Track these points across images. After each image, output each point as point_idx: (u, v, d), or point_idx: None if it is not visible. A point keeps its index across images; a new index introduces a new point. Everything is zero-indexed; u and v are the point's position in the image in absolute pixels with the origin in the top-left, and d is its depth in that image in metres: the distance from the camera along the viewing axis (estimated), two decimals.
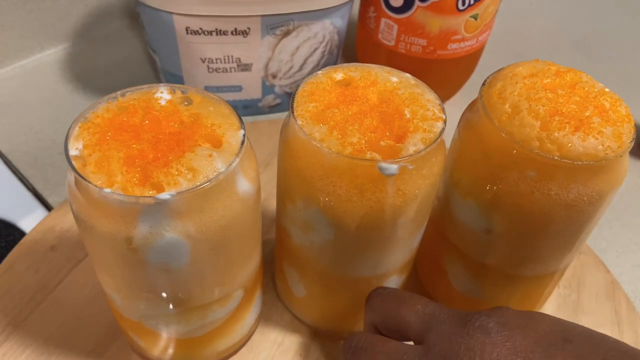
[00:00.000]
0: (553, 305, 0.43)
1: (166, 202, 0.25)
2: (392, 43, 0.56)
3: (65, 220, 0.45)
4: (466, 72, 0.60)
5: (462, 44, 0.55)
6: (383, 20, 0.55)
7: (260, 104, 0.59)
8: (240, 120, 0.30)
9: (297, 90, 0.32)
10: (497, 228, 0.33)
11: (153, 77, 0.62)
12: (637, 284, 0.46)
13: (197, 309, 0.32)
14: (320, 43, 0.55)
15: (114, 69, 0.63)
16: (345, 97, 0.32)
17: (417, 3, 0.52)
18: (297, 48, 0.55)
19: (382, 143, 0.29)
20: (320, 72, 0.33)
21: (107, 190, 0.25)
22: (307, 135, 0.29)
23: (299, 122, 0.30)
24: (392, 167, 0.28)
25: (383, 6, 0.54)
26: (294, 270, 0.37)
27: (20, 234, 0.46)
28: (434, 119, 0.30)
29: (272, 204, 0.49)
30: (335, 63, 0.59)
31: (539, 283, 0.36)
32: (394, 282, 0.36)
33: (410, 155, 0.29)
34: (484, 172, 0.32)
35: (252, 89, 0.57)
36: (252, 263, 0.33)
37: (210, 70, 0.54)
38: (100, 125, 0.28)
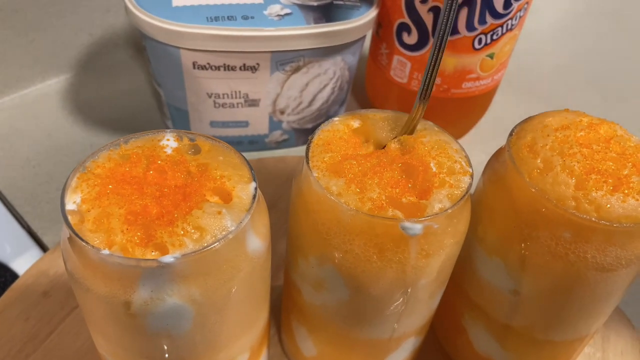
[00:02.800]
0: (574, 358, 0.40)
1: (170, 265, 0.23)
2: (405, 80, 0.54)
3: (60, 264, 0.42)
4: (480, 110, 0.58)
5: (477, 83, 0.53)
6: (396, 57, 0.53)
7: (267, 140, 0.57)
8: (252, 171, 0.27)
9: (312, 139, 0.30)
10: (526, 290, 0.30)
11: (157, 109, 0.60)
12: None
13: None
14: (331, 79, 0.54)
15: (116, 101, 0.61)
16: (364, 147, 0.30)
17: (431, 40, 0.50)
18: (307, 84, 0.53)
19: (404, 200, 0.27)
20: (336, 119, 0.31)
21: (106, 251, 0.23)
22: (323, 189, 0.27)
23: (315, 174, 0.28)
24: (417, 227, 0.26)
25: (396, 43, 0.52)
26: (304, 328, 0.34)
27: (13, 275, 0.44)
28: (461, 173, 0.28)
29: (278, 247, 0.47)
30: (345, 99, 0.58)
31: (568, 348, 0.34)
32: (411, 343, 0.34)
33: (436, 214, 0.26)
34: (512, 229, 0.30)
35: (259, 125, 0.55)
36: (259, 324, 0.31)
37: (217, 105, 0.52)
38: (101, 176, 0.26)
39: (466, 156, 0.29)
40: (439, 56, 0.29)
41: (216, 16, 0.47)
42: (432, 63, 0.29)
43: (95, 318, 0.27)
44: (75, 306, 0.40)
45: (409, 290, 0.29)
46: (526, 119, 0.32)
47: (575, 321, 0.31)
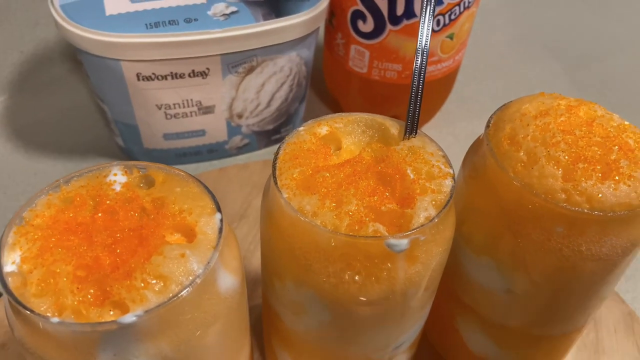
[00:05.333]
0: (572, 348, 0.39)
1: (132, 325, 0.20)
2: (365, 70, 0.52)
3: None
4: (444, 92, 0.57)
5: (439, 66, 0.51)
6: (353, 46, 0.51)
7: (227, 147, 0.54)
8: (215, 200, 0.25)
9: (277, 154, 0.27)
10: (520, 288, 0.29)
11: (104, 126, 0.56)
12: None
13: None
14: (287, 77, 0.51)
15: (59, 121, 0.56)
16: (335, 156, 0.27)
17: (388, 27, 0.48)
18: (263, 84, 0.50)
19: (383, 208, 0.25)
20: (301, 128, 0.28)
21: (56, 319, 0.20)
22: (297, 211, 0.24)
23: (285, 195, 0.25)
24: (403, 243, 0.24)
25: (352, 32, 0.50)
26: (286, 353, 0.32)
27: None
28: (441, 177, 0.26)
29: (253, 261, 0.44)
30: (304, 95, 0.55)
31: (566, 340, 0.32)
32: (404, 358, 0.32)
33: (422, 225, 0.24)
34: (500, 227, 0.28)
35: (216, 132, 0.52)
36: (242, 357, 0.28)
37: (169, 116, 0.49)
38: (42, 228, 0.22)
39: (444, 156, 0.27)
40: (420, 87, 0.27)
41: (156, 22, 0.43)
42: (415, 96, 0.27)
43: None
44: None
45: (398, 305, 0.26)
46: (501, 107, 0.30)
47: (573, 314, 0.30)
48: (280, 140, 0.57)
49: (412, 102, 0.28)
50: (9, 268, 0.21)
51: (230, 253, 0.24)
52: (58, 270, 0.21)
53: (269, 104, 0.52)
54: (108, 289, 0.20)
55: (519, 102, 0.29)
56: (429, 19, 0.28)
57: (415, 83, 0.28)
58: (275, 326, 0.31)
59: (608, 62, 0.70)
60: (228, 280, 0.24)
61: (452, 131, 0.59)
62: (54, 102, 0.58)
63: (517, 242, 0.27)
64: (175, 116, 0.49)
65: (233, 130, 0.52)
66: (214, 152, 0.53)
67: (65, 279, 0.21)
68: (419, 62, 0.28)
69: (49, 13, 0.43)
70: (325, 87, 0.61)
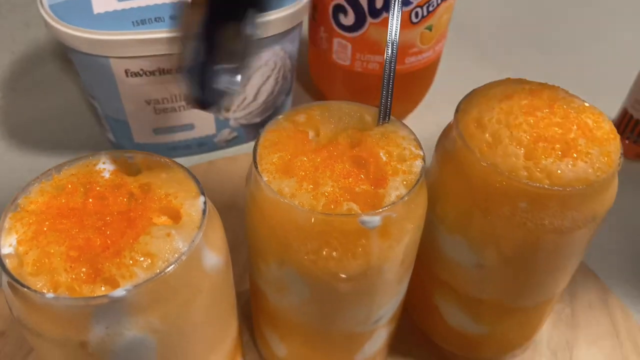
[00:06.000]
0: (548, 322, 0.41)
1: (122, 299, 0.22)
2: (348, 62, 0.53)
3: None
4: (426, 83, 0.58)
5: (419, 57, 0.53)
6: (336, 40, 0.52)
7: (215, 140, 0.55)
8: (199, 184, 0.26)
9: (258, 141, 0.29)
10: (490, 262, 0.30)
11: (95, 123, 0.58)
12: (625, 287, 0.45)
13: None
14: (273, 70, 0.52)
15: (52, 119, 0.58)
16: (312, 142, 0.29)
17: (369, 20, 0.49)
18: (249, 78, 0.51)
19: (357, 189, 0.27)
20: (280, 116, 0.30)
21: (51, 295, 0.21)
22: (276, 192, 0.26)
23: (265, 179, 0.27)
24: (375, 219, 0.25)
25: (334, 25, 0.51)
26: (274, 330, 0.34)
27: None
28: (412, 158, 0.28)
29: (242, 249, 0.45)
30: (290, 88, 0.56)
31: (538, 311, 0.34)
32: (384, 332, 0.33)
33: (394, 202, 0.26)
34: (469, 206, 0.29)
35: (205, 126, 0.53)
36: (229, 337, 0.30)
37: (158, 111, 0.50)
38: (36, 213, 0.24)
39: (415, 139, 0.29)
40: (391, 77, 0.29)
41: (142, 19, 0.44)
42: (387, 83, 0.29)
43: None
44: None
45: (375, 280, 0.28)
46: (470, 93, 0.31)
47: (542, 285, 0.32)
48: None
49: (385, 89, 0.29)
50: (6, 250, 0.23)
51: (214, 234, 0.26)
52: (52, 251, 0.22)
53: (255, 97, 0.54)
54: (99, 266, 0.22)
55: (487, 87, 0.31)
56: (398, 5, 0.29)
57: (387, 71, 0.29)
58: (262, 306, 0.33)
59: (587, 51, 0.72)
60: (212, 259, 0.25)
61: (436, 120, 0.60)
62: (46, 100, 0.59)
63: (486, 219, 0.29)
64: (164, 111, 0.50)
65: (221, 123, 0.54)
66: (204, 145, 0.55)
67: (59, 259, 0.22)
68: (389, 51, 0.29)
69: (38, 14, 0.45)
70: (310, 80, 0.62)
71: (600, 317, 0.42)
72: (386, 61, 0.29)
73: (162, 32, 0.44)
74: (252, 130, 0.57)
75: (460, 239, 0.31)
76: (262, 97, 0.54)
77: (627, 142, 0.55)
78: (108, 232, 0.23)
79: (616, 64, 0.69)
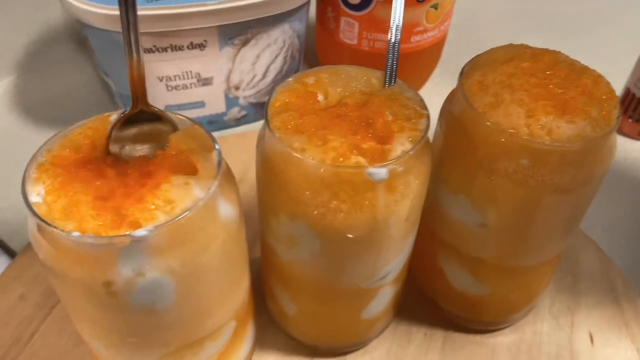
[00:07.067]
0: (551, 289, 0.42)
1: (144, 239, 0.23)
2: (355, 41, 0.54)
3: (32, 266, 0.42)
4: (431, 63, 0.59)
5: (424, 35, 0.54)
6: (343, 19, 0.53)
7: (225, 118, 0.57)
8: (213, 138, 0.28)
9: (269, 101, 0.30)
10: (492, 221, 0.32)
11: (109, 102, 0.59)
12: (626, 258, 0.46)
13: (188, 347, 0.29)
14: (281, 49, 0.54)
15: (66, 98, 0.59)
16: (321, 103, 0.30)
17: None
18: (258, 56, 0.53)
19: (364, 145, 0.28)
20: (291, 79, 0.31)
21: (77, 234, 0.23)
22: (287, 147, 0.27)
23: (277, 135, 0.28)
24: (382, 172, 0.27)
25: (341, 5, 0.52)
26: (283, 288, 0.35)
27: None
28: (417, 117, 0.29)
29: (253, 218, 0.47)
30: (298, 67, 0.58)
31: (540, 271, 0.35)
32: (389, 291, 0.35)
33: (399, 156, 0.27)
34: (473, 165, 0.31)
35: (215, 104, 0.55)
36: (241, 289, 0.31)
37: (169, 88, 0.51)
38: (60, 165, 0.25)
39: (420, 100, 0.30)
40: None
41: None
42: (392, 46, 0.30)
43: (77, 305, 0.27)
44: (53, 305, 0.40)
45: (381, 235, 0.29)
46: (474, 57, 0.32)
47: (542, 244, 0.33)
48: None
49: (390, 52, 0.30)
50: (35, 199, 0.24)
51: (228, 186, 0.27)
52: (79, 200, 0.24)
53: (264, 76, 0.55)
54: (124, 212, 0.23)
55: (490, 51, 0.32)
56: None
57: (393, 33, 0.30)
58: (274, 265, 0.34)
59: (592, 35, 0.73)
60: (227, 209, 0.27)
61: (441, 101, 0.62)
62: (61, 80, 0.61)
63: (489, 178, 0.30)
64: (175, 88, 0.52)
65: (231, 102, 0.55)
66: (214, 123, 0.56)
67: (85, 207, 0.23)
68: (396, 15, 0.30)
69: None
70: (317, 60, 0.63)
71: (601, 285, 0.43)
72: (392, 23, 0.30)
73: (174, 8, 0.45)
74: (261, 108, 0.58)
75: (463, 198, 0.32)
76: (270, 76, 0.55)
77: (630, 120, 0.56)
78: (130, 182, 0.24)
79: (619, 45, 0.70)
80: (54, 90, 0.60)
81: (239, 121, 0.58)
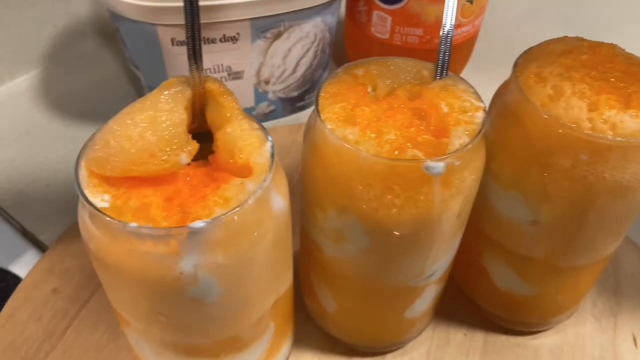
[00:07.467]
0: (592, 291, 0.41)
1: (202, 232, 0.22)
2: (387, 36, 0.53)
3: (64, 259, 0.41)
4: (463, 59, 0.58)
5: (458, 30, 0.53)
6: (375, 12, 0.53)
7: (254, 113, 0.56)
8: (265, 129, 0.27)
9: (319, 92, 0.29)
10: (546, 218, 0.31)
11: (135, 95, 0.59)
12: None
13: (232, 347, 0.29)
14: (313, 43, 0.53)
15: (92, 91, 0.59)
16: (371, 94, 0.29)
17: None
18: (289, 50, 0.52)
19: (419, 138, 0.27)
20: (340, 69, 0.30)
21: (134, 224, 0.22)
22: (340, 139, 0.27)
23: (329, 126, 0.27)
24: (440, 165, 0.26)
25: None
26: (324, 284, 0.34)
27: (15, 279, 0.42)
28: (473, 109, 0.28)
29: None
30: (327, 62, 0.57)
31: (589, 271, 0.34)
32: (433, 290, 0.34)
33: (457, 150, 0.26)
34: (527, 160, 0.30)
35: (244, 98, 0.54)
36: (286, 282, 0.30)
37: None
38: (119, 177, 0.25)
39: (475, 92, 0.29)
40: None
41: None
42: (445, 37, 0.29)
43: (124, 297, 0.26)
44: (87, 299, 0.39)
45: (433, 230, 0.28)
46: (527, 50, 0.31)
47: (596, 243, 0.32)
48: (304, 107, 0.59)
49: (443, 42, 0.29)
50: (101, 204, 0.23)
51: (279, 178, 0.26)
52: (149, 202, 0.23)
53: (294, 70, 0.54)
54: (188, 210, 0.23)
55: (544, 44, 0.31)
56: None
57: (446, 23, 0.29)
58: (315, 259, 0.33)
59: (622, 31, 0.71)
60: (279, 201, 0.26)
61: None
62: (87, 73, 0.60)
63: (544, 174, 0.29)
64: None
65: (260, 96, 0.55)
66: None
67: (155, 207, 0.23)
68: (450, 2, 0.29)
69: None
70: (346, 57, 0.63)
71: None
72: (446, 12, 0.29)
73: (210, 0, 0.45)
74: (289, 104, 0.57)
75: (515, 194, 0.31)
76: (300, 70, 0.55)
77: None
78: (194, 183, 0.24)
79: None
80: (79, 83, 0.60)
81: (267, 116, 0.57)
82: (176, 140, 0.24)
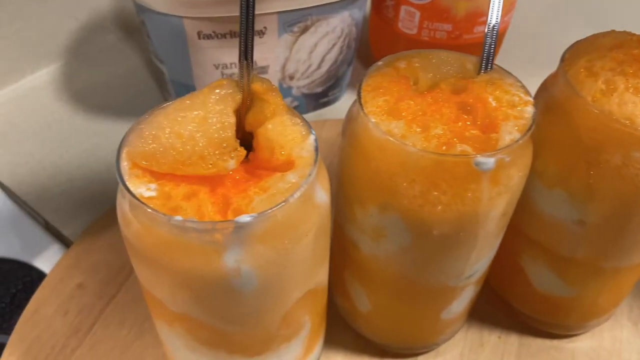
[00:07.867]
0: (633, 285, 0.40)
1: (247, 226, 0.22)
2: (414, 31, 0.52)
3: (90, 254, 0.40)
4: None
5: None
6: (403, 7, 0.52)
7: None
8: (307, 123, 0.26)
9: (361, 85, 0.28)
10: (592, 218, 0.30)
11: (157, 90, 0.58)
12: None
13: (269, 349, 0.28)
14: (339, 38, 0.52)
15: (113, 85, 0.58)
16: (414, 88, 0.28)
17: None
18: (315, 45, 0.51)
19: (467, 133, 0.26)
20: (380, 62, 0.30)
21: (179, 218, 0.21)
22: (384, 133, 0.26)
23: (373, 120, 0.26)
24: (490, 162, 0.25)
25: None
26: (359, 283, 0.33)
27: (39, 274, 0.42)
28: (522, 104, 0.27)
29: None
30: (352, 58, 0.56)
31: (632, 273, 0.33)
32: (471, 291, 0.33)
33: (508, 145, 0.25)
34: (574, 157, 0.29)
35: None
36: (322, 276, 0.29)
37: (225, 76, 0.50)
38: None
39: (522, 86, 0.28)
40: None
41: None
42: (491, 29, 0.28)
43: (165, 291, 0.25)
44: (114, 294, 0.38)
45: (477, 228, 0.28)
46: (574, 44, 0.30)
47: None
48: (327, 104, 0.58)
49: (489, 35, 0.29)
50: (147, 194, 0.22)
51: (322, 173, 0.26)
52: (196, 191, 0.22)
53: (319, 66, 0.53)
54: (231, 201, 0.22)
55: (592, 37, 0.30)
56: None
57: (492, 15, 0.28)
58: (350, 257, 0.32)
59: None
60: (322, 195, 0.25)
61: None
62: (108, 67, 0.60)
63: (593, 171, 0.28)
64: (231, 76, 0.50)
65: (284, 91, 0.54)
66: None
67: (204, 196, 0.22)
68: None
69: None
70: (370, 53, 0.62)
71: None
72: (492, 4, 0.28)
73: None
74: (313, 100, 0.56)
75: (561, 193, 0.30)
76: (325, 66, 0.54)
77: None
78: (237, 177, 0.23)
79: None
80: (101, 77, 0.59)
81: None
82: (225, 145, 0.23)
